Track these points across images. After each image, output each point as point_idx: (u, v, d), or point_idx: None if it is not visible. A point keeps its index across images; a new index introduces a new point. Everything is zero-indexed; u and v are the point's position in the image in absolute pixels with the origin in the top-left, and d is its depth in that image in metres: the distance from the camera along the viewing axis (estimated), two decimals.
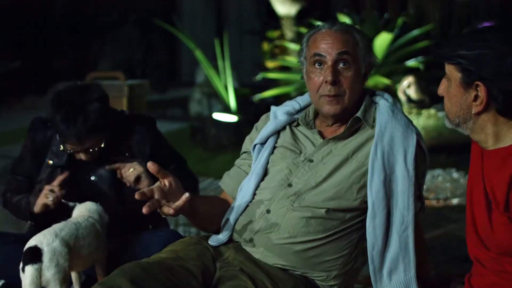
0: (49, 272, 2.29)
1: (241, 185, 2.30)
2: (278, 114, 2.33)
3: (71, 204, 2.57)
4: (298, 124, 2.31)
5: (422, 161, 2.19)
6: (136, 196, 1.97)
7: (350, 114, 2.22)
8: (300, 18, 7.72)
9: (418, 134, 2.18)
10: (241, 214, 2.24)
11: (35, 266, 2.27)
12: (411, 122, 2.21)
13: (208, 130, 7.06)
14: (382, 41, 6.20)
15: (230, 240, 2.24)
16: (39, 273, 2.28)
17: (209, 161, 6.52)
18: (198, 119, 7.39)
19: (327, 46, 2.18)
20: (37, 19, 11.57)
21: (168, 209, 2.05)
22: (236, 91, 7.19)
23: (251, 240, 2.19)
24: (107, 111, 2.53)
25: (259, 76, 7.57)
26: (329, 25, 2.22)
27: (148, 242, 2.53)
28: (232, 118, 6.98)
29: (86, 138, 2.49)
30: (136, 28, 12.49)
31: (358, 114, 2.21)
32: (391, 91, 6.26)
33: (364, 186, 2.14)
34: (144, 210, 1.96)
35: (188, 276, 2.08)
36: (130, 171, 2.53)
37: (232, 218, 2.24)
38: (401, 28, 6.65)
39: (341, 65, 2.18)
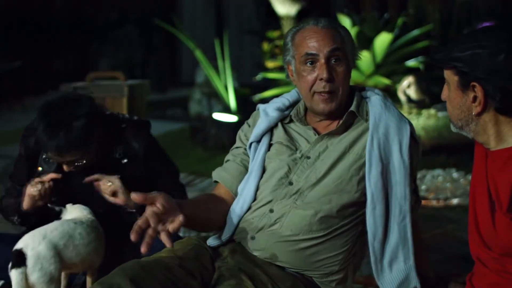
0: (33, 276, 2.28)
1: (241, 187, 2.29)
2: (268, 111, 2.33)
3: (57, 208, 2.54)
4: (290, 121, 2.32)
5: (415, 151, 2.21)
6: (132, 237, 1.90)
7: (341, 109, 2.23)
8: (300, 18, 7.71)
9: (411, 125, 2.21)
10: (243, 215, 2.24)
11: (19, 270, 2.27)
12: (402, 114, 2.24)
13: (208, 130, 7.06)
14: (382, 41, 6.20)
15: (229, 240, 2.24)
16: (24, 277, 2.27)
17: (209, 161, 6.51)
18: (198, 119, 7.38)
19: (318, 44, 2.18)
20: (37, 19, 11.56)
21: (165, 238, 1.96)
22: (236, 91, 7.19)
23: (252, 238, 2.19)
24: (93, 128, 2.48)
25: (259, 76, 7.57)
26: (314, 21, 2.22)
27: None
28: (232, 118, 6.98)
29: (66, 152, 2.47)
30: (136, 28, 12.48)
31: (352, 108, 2.22)
32: (391, 91, 6.26)
33: (363, 178, 2.16)
34: (143, 249, 1.92)
35: (187, 275, 2.07)
36: (108, 184, 2.50)
37: (234, 219, 2.24)
38: (401, 28, 6.66)
39: (333, 61, 2.18)
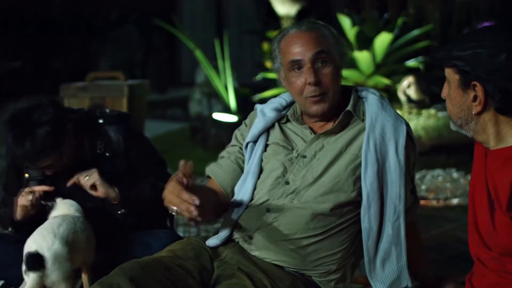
0: (54, 275, 2.29)
1: (239, 187, 2.30)
2: (266, 112, 2.34)
3: (49, 203, 2.54)
4: (286, 121, 2.33)
5: (411, 150, 2.22)
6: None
7: (336, 109, 2.24)
8: (300, 18, 7.71)
9: (407, 125, 2.22)
10: (241, 214, 2.24)
11: (38, 273, 2.27)
12: (399, 114, 2.25)
13: (208, 130, 7.06)
14: (382, 41, 6.20)
15: (228, 240, 2.25)
16: (42, 279, 2.28)
17: (209, 161, 6.48)
18: (198, 119, 7.38)
19: (301, 50, 2.19)
20: (37, 19, 11.57)
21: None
22: (236, 91, 7.19)
23: (250, 238, 2.20)
24: (60, 132, 2.47)
25: (259, 76, 7.57)
26: (296, 26, 2.23)
27: (148, 243, 2.53)
28: (232, 118, 6.98)
29: (36, 160, 2.48)
30: (136, 28, 12.48)
31: (349, 108, 2.23)
32: (391, 91, 6.26)
33: (359, 178, 2.17)
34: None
35: (186, 275, 2.08)
36: (85, 178, 2.52)
37: (232, 218, 2.25)
38: (401, 28, 6.66)
39: (319, 64, 2.19)
